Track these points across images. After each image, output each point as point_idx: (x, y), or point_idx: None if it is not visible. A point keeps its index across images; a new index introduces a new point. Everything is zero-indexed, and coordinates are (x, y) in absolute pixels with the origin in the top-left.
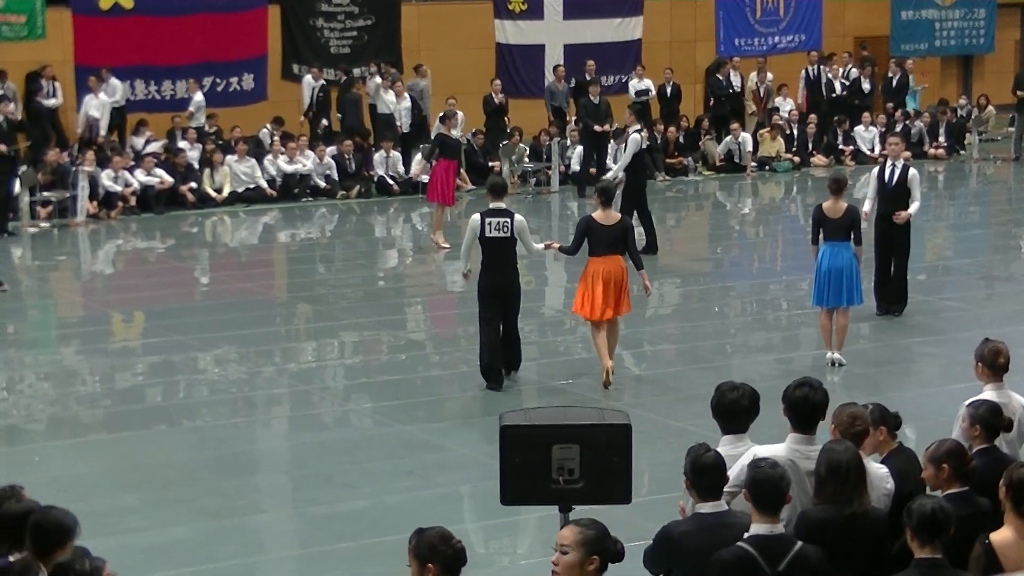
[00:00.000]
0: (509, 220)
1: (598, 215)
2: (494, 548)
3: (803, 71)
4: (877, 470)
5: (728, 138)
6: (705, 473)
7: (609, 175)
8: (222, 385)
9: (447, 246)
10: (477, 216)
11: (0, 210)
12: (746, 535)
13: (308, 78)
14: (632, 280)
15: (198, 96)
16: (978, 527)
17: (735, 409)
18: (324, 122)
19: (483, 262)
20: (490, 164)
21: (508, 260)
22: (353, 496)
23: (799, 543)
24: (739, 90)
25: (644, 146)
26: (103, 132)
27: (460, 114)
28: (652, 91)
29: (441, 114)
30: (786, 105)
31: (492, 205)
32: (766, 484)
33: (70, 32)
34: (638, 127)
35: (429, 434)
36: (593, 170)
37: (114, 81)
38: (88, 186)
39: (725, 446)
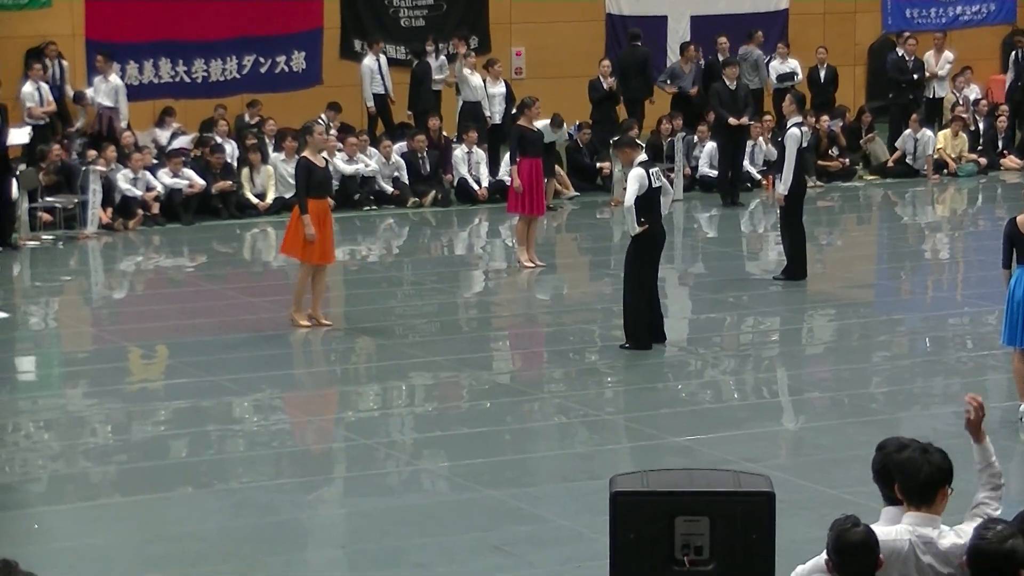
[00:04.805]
0: (658, 169)
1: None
2: None
3: (1015, 52)
4: None
5: (907, 132)
6: (851, 553)
7: (781, 189)
8: (263, 438)
9: (531, 265)
10: (640, 169)
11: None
12: None
13: (367, 59)
14: None
15: None
16: None
17: None
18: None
19: (641, 216)
20: (598, 165)
21: (660, 209)
22: None
23: None
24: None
25: (804, 144)
26: (124, 122)
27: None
28: (799, 75)
29: (519, 102)
30: (971, 93)
31: (642, 157)
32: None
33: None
34: (799, 119)
35: (520, 500)
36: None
37: (114, 79)
38: (101, 190)
39: (885, 520)
